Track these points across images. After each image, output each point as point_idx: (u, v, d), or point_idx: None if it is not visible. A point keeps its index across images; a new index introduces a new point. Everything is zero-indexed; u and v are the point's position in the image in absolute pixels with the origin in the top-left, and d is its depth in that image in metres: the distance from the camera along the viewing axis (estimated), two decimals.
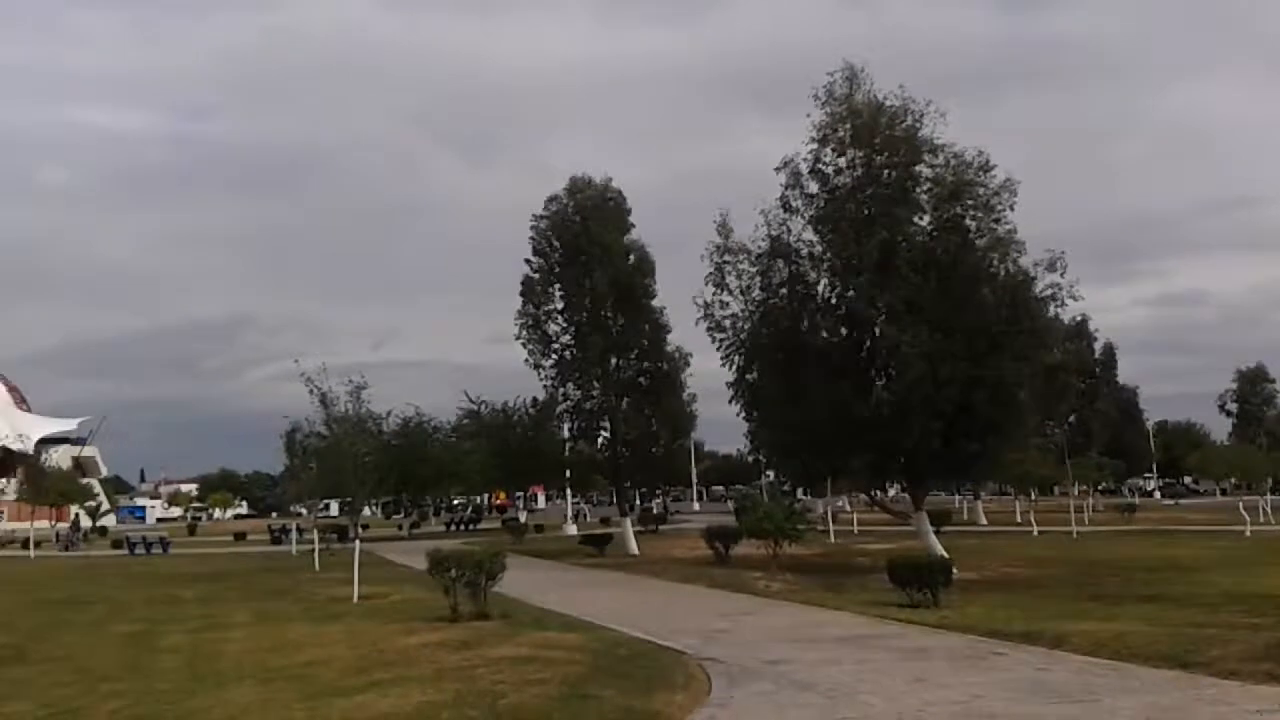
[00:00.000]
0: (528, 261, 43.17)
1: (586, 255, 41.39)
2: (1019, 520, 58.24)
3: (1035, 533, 48.16)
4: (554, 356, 43.10)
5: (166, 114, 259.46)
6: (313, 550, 39.16)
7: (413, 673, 13.43)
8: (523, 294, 43.23)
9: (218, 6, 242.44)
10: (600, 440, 44.74)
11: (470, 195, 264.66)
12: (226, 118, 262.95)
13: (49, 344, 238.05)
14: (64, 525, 74.39)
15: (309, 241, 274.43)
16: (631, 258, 42.55)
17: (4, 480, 67.60)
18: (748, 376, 31.90)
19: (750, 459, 60.48)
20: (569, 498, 75.20)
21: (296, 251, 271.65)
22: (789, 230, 30.20)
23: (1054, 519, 54.74)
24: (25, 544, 51.48)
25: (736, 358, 31.71)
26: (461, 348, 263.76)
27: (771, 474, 78.06)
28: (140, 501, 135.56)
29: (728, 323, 31.27)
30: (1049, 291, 28.43)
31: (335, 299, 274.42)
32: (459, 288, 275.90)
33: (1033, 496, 68.32)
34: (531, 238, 43.03)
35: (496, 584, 19.50)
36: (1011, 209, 27.84)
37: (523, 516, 72.94)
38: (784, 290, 30.24)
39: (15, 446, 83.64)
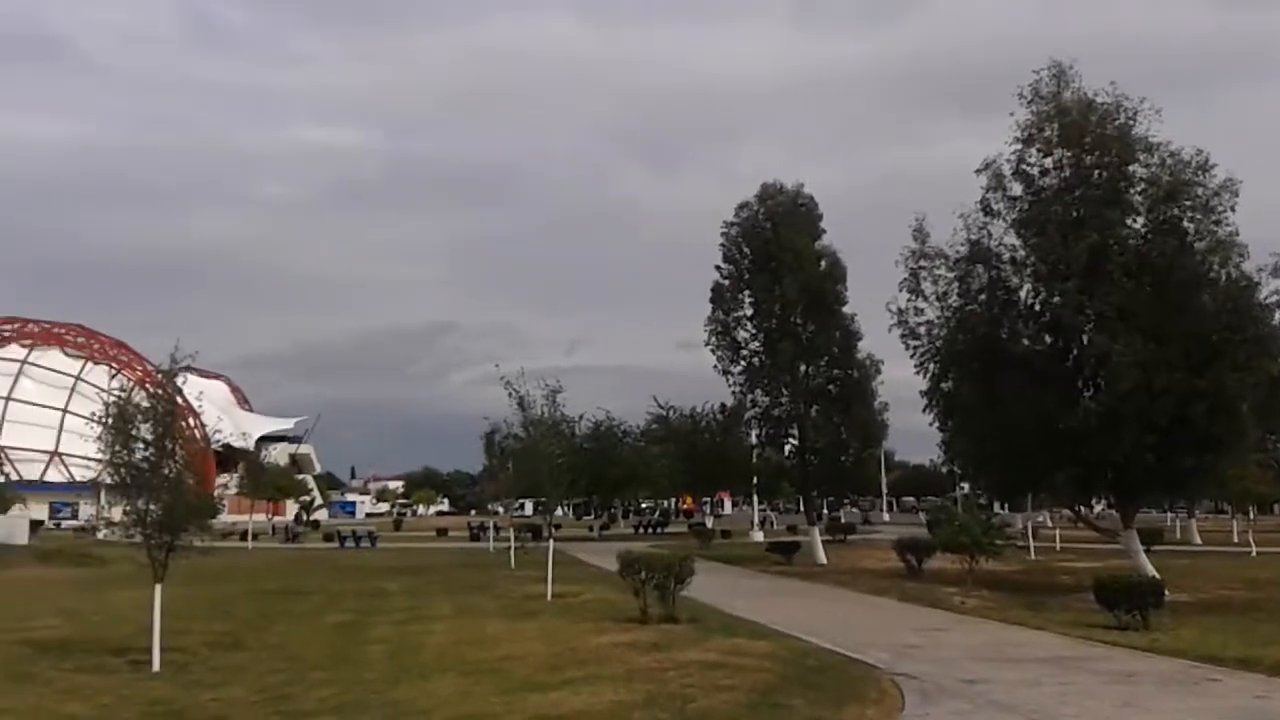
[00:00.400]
0: (718, 268, 43.25)
1: (777, 261, 41.15)
2: (1236, 540, 54.48)
3: (1254, 553, 44.92)
4: (743, 363, 43.01)
5: (379, 130, 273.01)
6: (509, 548, 40.34)
7: (604, 672, 13.65)
8: (712, 300, 43.32)
9: (427, 27, 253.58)
10: (788, 448, 44.39)
11: (660, 203, 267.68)
12: (434, 133, 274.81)
13: (270, 348, 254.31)
14: (280, 519, 79.31)
15: (507, 251, 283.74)
16: (822, 264, 42.05)
17: (226, 475, 72.39)
18: (943, 385, 31.02)
19: (944, 470, 58.69)
20: (755, 504, 74.91)
21: (495, 261, 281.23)
22: (989, 234, 29.23)
23: (1274, 539, 50.99)
24: (244, 536, 55.01)
25: (931, 365, 30.88)
26: (650, 353, 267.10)
27: (966, 486, 75.66)
28: (350, 497, 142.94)
29: (922, 329, 30.50)
30: (1274, 298, 26.69)
31: (531, 306, 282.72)
32: (648, 295, 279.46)
33: (1251, 515, 63.79)
34: (722, 244, 43.10)
35: (685, 588, 19.61)
36: (1233, 210, 26.16)
37: (709, 522, 73.09)
38: (983, 296, 29.27)
39: (237, 444, 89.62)
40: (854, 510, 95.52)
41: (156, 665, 14.29)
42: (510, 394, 26.56)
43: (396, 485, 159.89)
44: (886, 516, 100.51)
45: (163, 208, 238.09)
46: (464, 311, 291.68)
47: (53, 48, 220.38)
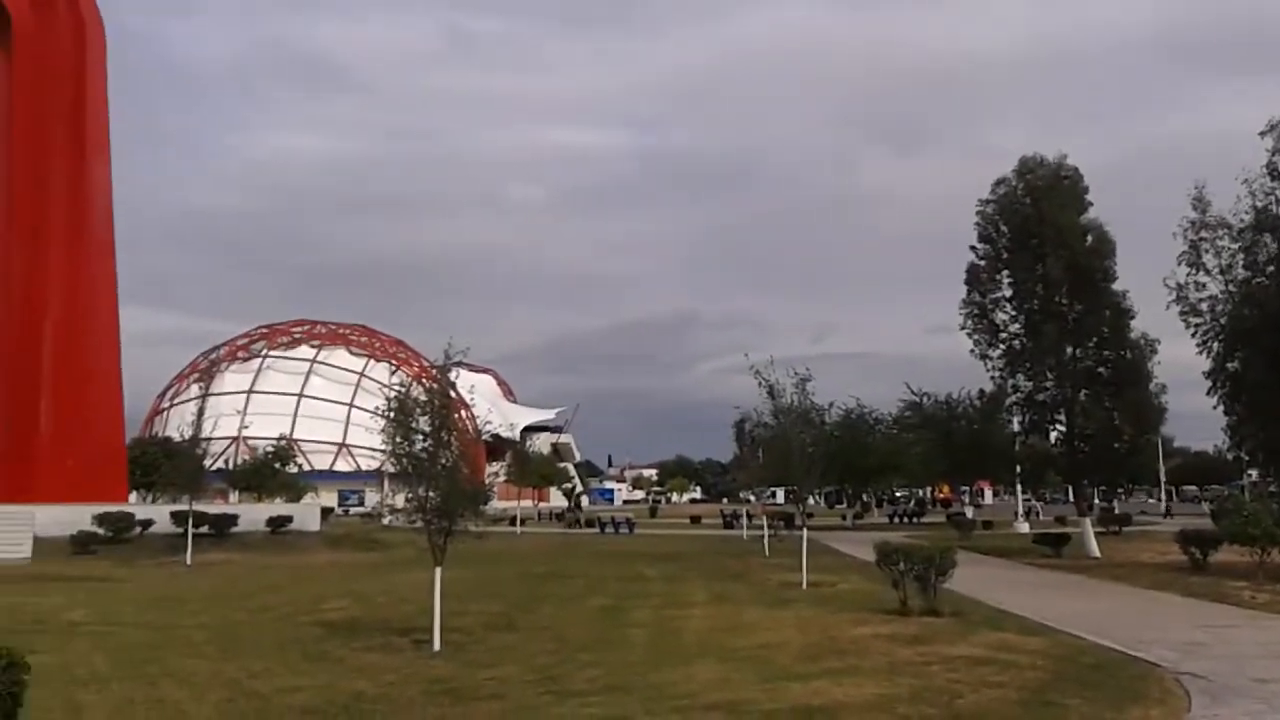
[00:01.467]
0: (973, 248, 41.54)
1: (1038, 239, 39.05)
2: None
3: None
4: (1002, 346, 41.14)
5: (626, 129, 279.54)
6: (762, 536, 40.45)
7: (865, 663, 13.47)
8: (967, 282, 41.67)
9: (669, 25, 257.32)
10: (1054, 435, 42.16)
11: (905, 185, 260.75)
12: (679, 128, 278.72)
13: (531, 342, 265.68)
14: (545, 505, 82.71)
15: (751, 239, 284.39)
16: (1089, 239, 39.52)
17: (495, 464, 76.30)
18: (1229, 364, 28.69)
19: (1230, 456, 54.14)
20: (1019, 494, 71.77)
21: (740, 250, 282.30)
22: (1277, 200, 26.76)
23: None
24: (513, 521, 57.74)
25: (1215, 344, 28.66)
26: (898, 339, 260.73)
27: (1255, 473, 69.62)
28: (608, 485, 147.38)
29: (1204, 306, 28.35)
30: None
31: (776, 294, 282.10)
32: (894, 279, 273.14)
33: None
34: (977, 224, 41.37)
35: (947, 580, 19.05)
36: None
37: (969, 512, 70.61)
38: (1272, 268, 26.86)
39: (505, 434, 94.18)
40: (1131, 499, 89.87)
41: (437, 645, 15.21)
42: (760, 383, 26.59)
43: (651, 473, 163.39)
44: (1164, 506, 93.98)
45: (430, 213, 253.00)
46: (710, 301, 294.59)
47: (320, 69, 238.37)
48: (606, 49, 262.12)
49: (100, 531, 36.83)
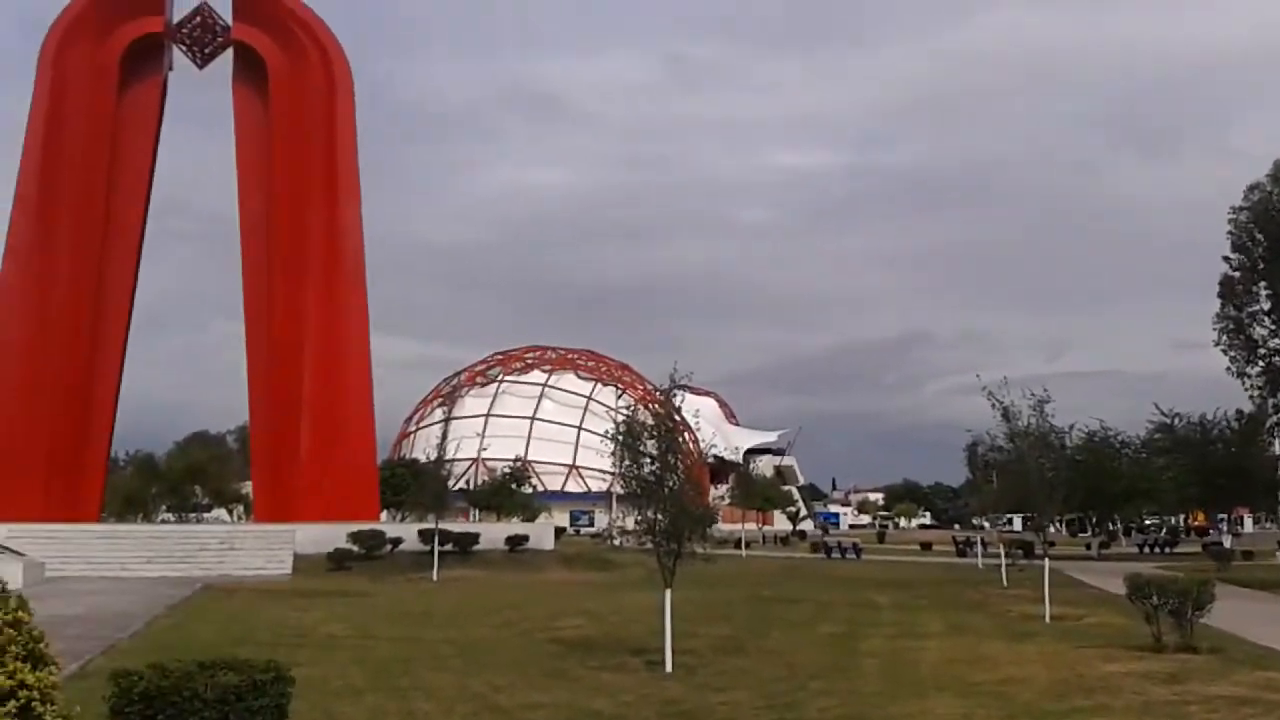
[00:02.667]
0: (1226, 259, 38.87)
1: None
2: None
3: None
4: (1261, 364, 38.18)
5: (847, 146, 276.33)
6: (998, 564, 38.86)
7: (1116, 702, 12.76)
8: (1221, 295, 38.98)
9: (889, 39, 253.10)
10: None
11: (1148, 193, 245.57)
12: (902, 142, 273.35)
13: (753, 364, 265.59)
14: (769, 528, 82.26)
15: (980, 255, 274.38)
16: None
17: (718, 487, 76.62)
18: None
19: None
20: None
21: (968, 266, 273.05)
22: None
23: None
24: (738, 544, 57.78)
25: None
26: (1142, 356, 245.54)
27: None
28: (833, 508, 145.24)
29: None
30: None
31: (1006, 311, 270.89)
32: (1137, 292, 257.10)
33: None
34: (1229, 232, 38.67)
35: (1205, 614, 17.77)
36: None
37: (1227, 541, 65.39)
38: None
39: (728, 457, 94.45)
40: None
41: (669, 666, 15.42)
42: (993, 404, 25.60)
43: (877, 497, 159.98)
44: None
45: (653, 239, 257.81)
46: (938, 319, 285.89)
47: (550, 105, 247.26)
48: (827, 67, 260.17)
49: (354, 549, 39.30)
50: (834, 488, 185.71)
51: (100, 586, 30.68)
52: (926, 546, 68.63)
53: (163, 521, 69.99)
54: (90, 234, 45.35)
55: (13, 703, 7.30)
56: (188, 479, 75.03)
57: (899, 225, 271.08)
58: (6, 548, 32.28)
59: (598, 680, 14.81)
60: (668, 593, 16.13)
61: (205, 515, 79.59)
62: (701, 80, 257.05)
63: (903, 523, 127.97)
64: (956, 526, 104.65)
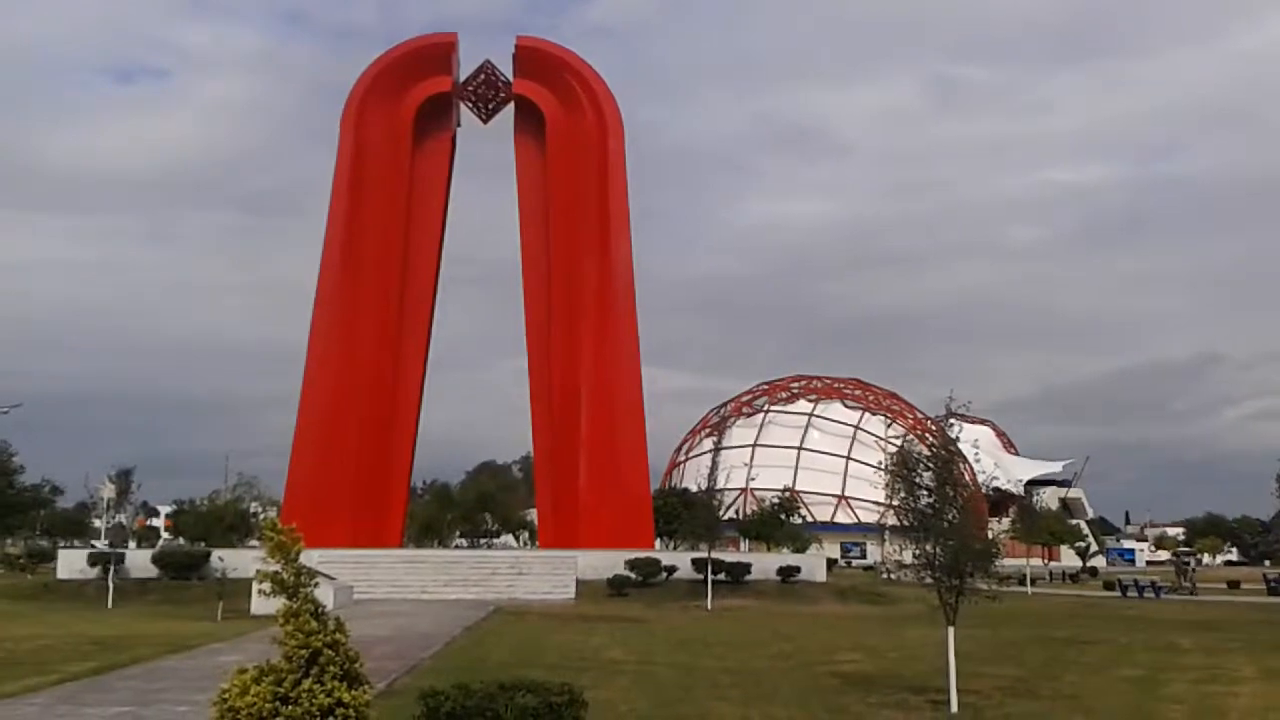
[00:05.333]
0: None
1: None
2: None
3: None
4: None
5: (1127, 160, 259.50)
6: None
7: None
8: None
9: (1168, 48, 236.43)
10: None
11: None
12: (1188, 153, 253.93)
13: (1028, 390, 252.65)
14: (1056, 564, 77.79)
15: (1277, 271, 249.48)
16: None
17: (997, 520, 73.34)
18: None
19: None
20: None
21: (1263, 282, 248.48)
22: None
23: None
24: (1022, 581, 55.05)
25: None
26: None
27: None
28: (1126, 544, 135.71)
29: None
30: None
31: None
32: None
33: None
34: None
35: None
36: None
37: None
38: None
39: (1007, 488, 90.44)
40: None
41: (954, 707, 14.96)
42: None
43: (1176, 531, 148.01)
44: None
45: (919, 265, 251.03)
46: (1230, 340, 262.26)
47: (809, 136, 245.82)
48: (1101, 80, 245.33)
49: (632, 576, 40.46)
50: (1127, 521, 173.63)
51: (403, 608, 33.08)
52: (1234, 585, 62.89)
53: (457, 547, 74.50)
54: (390, 283, 49.31)
55: (331, 719, 8.06)
56: (479, 507, 79.48)
57: (1193, 238, 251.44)
58: (320, 572, 35.33)
59: (878, 717, 14.59)
60: (950, 630, 15.69)
61: (495, 541, 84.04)
62: (966, 101, 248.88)
63: (1206, 559, 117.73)
64: (1267, 563, 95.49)
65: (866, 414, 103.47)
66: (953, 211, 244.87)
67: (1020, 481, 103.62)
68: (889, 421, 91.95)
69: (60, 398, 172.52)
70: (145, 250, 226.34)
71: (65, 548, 56.78)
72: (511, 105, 52.67)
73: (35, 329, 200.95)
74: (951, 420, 17.45)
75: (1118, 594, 53.65)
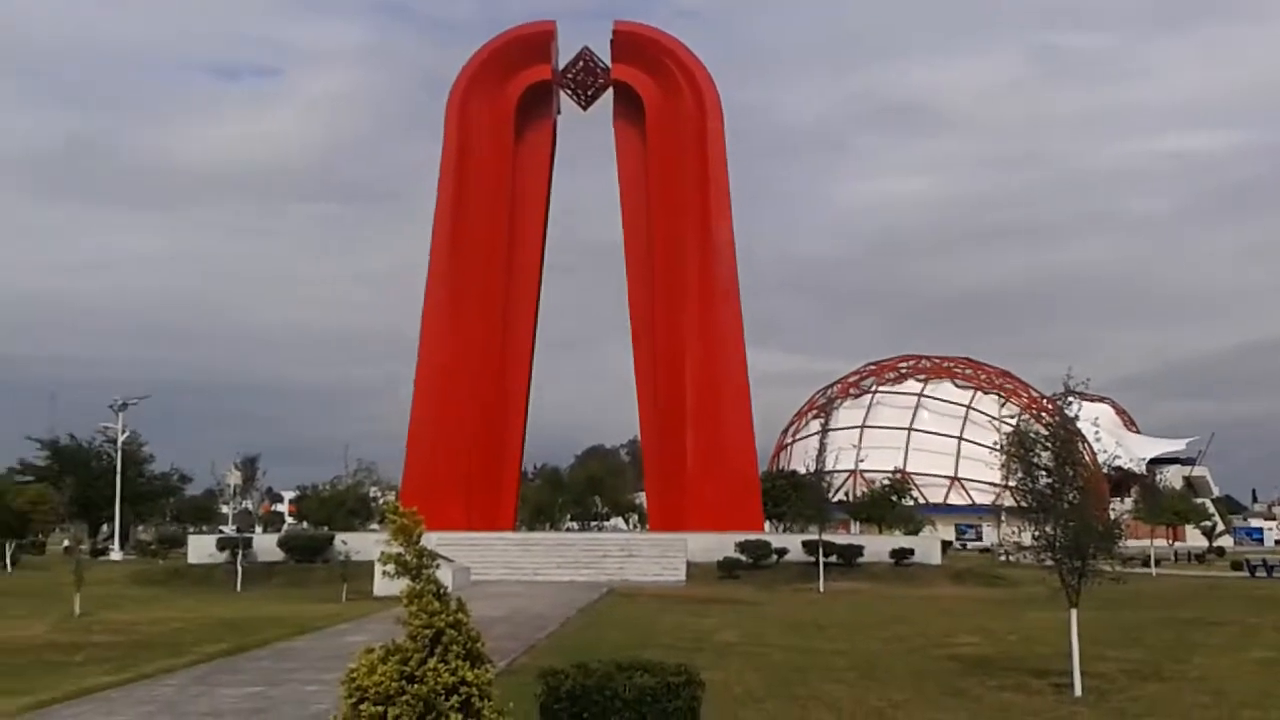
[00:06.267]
0: None
1: None
2: None
3: None
4: None
5: (1250, 127, 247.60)
6: None
7: None
8: None
9: None
10: None
11: None
12: None
13: (1148, 366, 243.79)
14: (1181, 544, 75.34)
15: None
16: None
17: (1119, 499, 71.22)
18: None
19: None
20: None
21: None
22: None
23: None
24: (1145, 562, 53.40)
25: None
26: None
27: None
28: (1254, 523, 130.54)
29: None
30: None
31: None
32: None
33: None
34: None
35: None
36: None
37: None
38: None
39: (1129, 467, 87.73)
40: None
41: (1078, 689, 14.62)
42: None
43: None
44: None
45: (1028, 239, 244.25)
46: None
47: (909, 112, 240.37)
48: (1214, 45, 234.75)
49: (742, 558, 40.44)
50: (1254, 500, 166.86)
51: (518, 590, 33.69)
52: None
53: (567, 530, 75.45)
54: (496, 270, 50.07)
55: (455, 698, 8.25)
56: (588, 490, 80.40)
57: None
58: (439, 555, 36.16)
59: (999, 700, 14.34)
60: (1073, 612, 15.35)
61: (605, 524, 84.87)
62: (1071, 70, 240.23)
63: None
64: None
65: (978, 393, 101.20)
66: (1061, 184, 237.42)
67: (1142, 460, 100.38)
68: (1002, 401, 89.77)
69: (187, 388, 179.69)
70: (257, 242, 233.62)
71: (194, 533, 59.10)
72: (610, 91, 52.89)
73: (161, 322, 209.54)
74: (1069, 398, 17.00)
75: (1245, 574, 51.69)
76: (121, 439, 67.65)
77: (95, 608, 26.49)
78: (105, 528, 69.83)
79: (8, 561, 48.49)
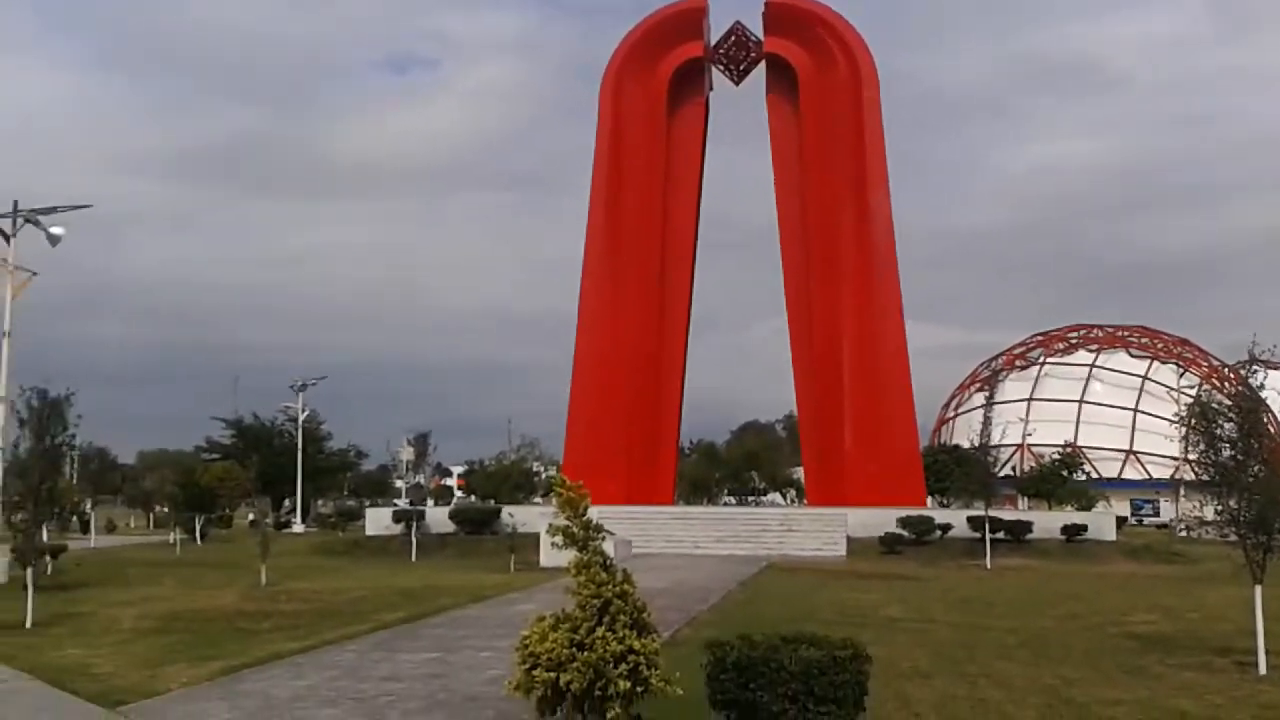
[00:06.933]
0: None
1: None
2: None
3: None
4: None
5: None
6: None
7: None
8: None
9: None
10: None
11: None
12: None
13: None
14: None
15: None
16: None
17: None
18: None
19: None
20: None
21: None
22: None
23: None
24: None
25: None
26: None
27: None
28: None
29: None
30: None
31: None
32: None
33: None
34: None
35: None
36: None
37: None
38: None
39: None
40: None
41: (1263, 668, 14.02)
42: None
43: None
44: None
45: (1207, 203, 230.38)
46: None
47: (1073, 73, 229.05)
48: None
49: (904, 533, 39.88)
50: None
51: (678, 563, 34.08)
52: None
53: (725, 504, 75.75)
54: (651, 250, 50.46)
55: (624, 665, 8.53)
56: (745, 465, 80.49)
57: None
58: (603, 527, 36.93)
59: (1180, 679, 13.84)
60: (1258, 589, 14.69)
61: (762, 498, 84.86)
62: (1257, 21, 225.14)
63: None
64: None
65: (1155, 363, 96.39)
66: (1246, 144, 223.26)
67: None
68: (1181, 370, 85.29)
69: (361, 369, 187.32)
70: (421, 231, 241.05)
71: (371, 506, 61.83)
72: (763, 65, 52.41)
73: (336, 307, 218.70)
74: (1255, 367, 16.20)
75: None
76: (301, 418, 71.21)
77: (280, 578, 27.98)
78: (287, 502, 73.59)
79: (198, 534, 51.68)
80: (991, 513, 39.24)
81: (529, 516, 38.28)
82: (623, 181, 51.04)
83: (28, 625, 18.21)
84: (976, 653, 15.96)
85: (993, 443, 43.24)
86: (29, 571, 19.50)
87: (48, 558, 24.16)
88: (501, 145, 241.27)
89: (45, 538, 22.45)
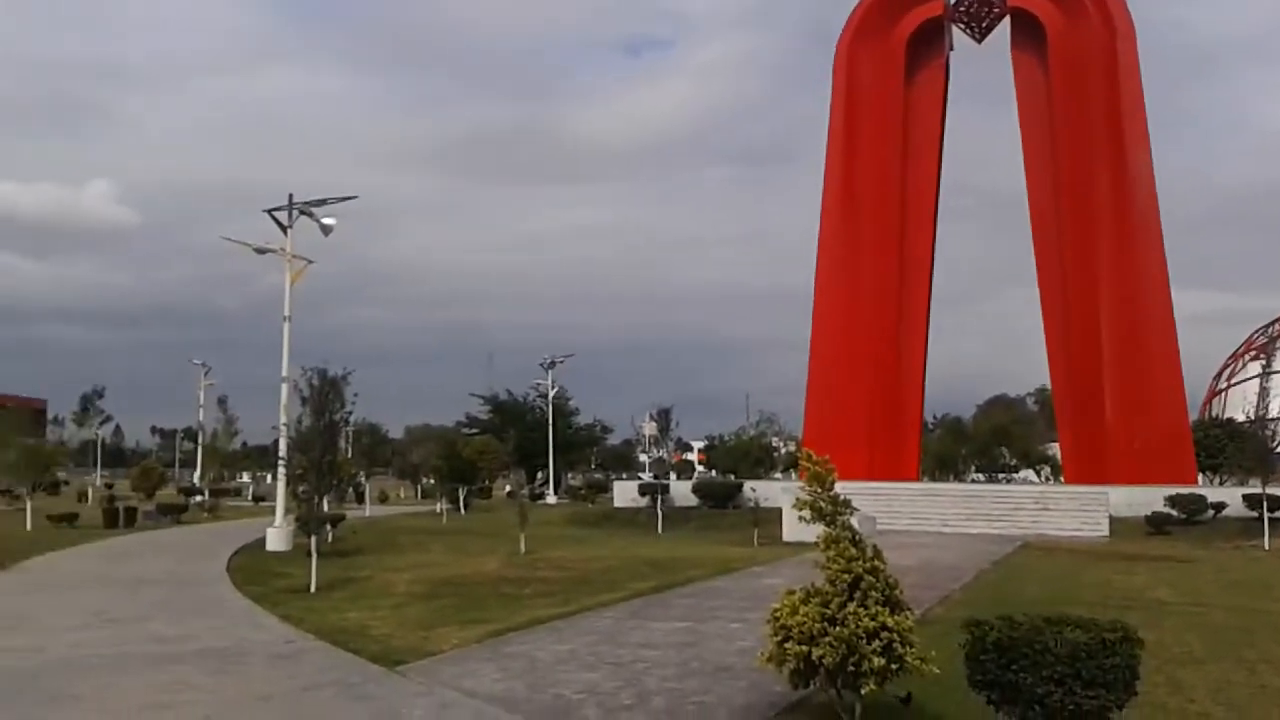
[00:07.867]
0: None
1: None
2: None
3: None
4: None
5: None
6: None
7: None
8: None
9: None
10: None
11: None
12: None
13: None
14: None
15: None
16: None
17: None
18: None
19: None
20: None
21: None
22: None
23: None
24: None
25: None
26: None
27: None
28: None
29: None
30: None
31: None
32: None
33: None
34: None
35: None
36: None
37: None
38: None
39: None
40: None
41: None
42: None
43: None
44: None
45: None
46: None
47: None
48: None
49: (1172, 513, 37.43)
50: None
51: (926, 540, 33.35)
52: None
53: (973, 481, 73.28)
54: (889, 220, 49.31)
55: (876, 642, 8.47)
56: (993, 441, 77.46)
57: None
58: (849, 502, 36.64)
59: None
60: None
61: (1013, 476, 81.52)
62: None
63: None
64: None
65: None
66: None
67: None
68: None
69: (607, 347, 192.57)
70: (657, 209, 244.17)
71: (617, 480, 63.63)
72: (1007, 21, 50.01)
73: (579, 288, 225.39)
74: None
75: None
76: (551, 394, 74.03)
77: (537, 546, 29.27)
78: (540, 474, 76.78)
79: (461, 505, 54.72)
80: (1270, 490, 36.22)
81: (770, 491, 38.39)
82: (859, 150, 50.09)
83: (312, 590, 19.64)
84: (1255, 637, 14.89)
85: (1271, 415, 39.79)
86: (313, 540, 20.89)
87: (328, 526, 26.07)
88: (732, 120, 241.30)
89: (326, 508, 24.14)
